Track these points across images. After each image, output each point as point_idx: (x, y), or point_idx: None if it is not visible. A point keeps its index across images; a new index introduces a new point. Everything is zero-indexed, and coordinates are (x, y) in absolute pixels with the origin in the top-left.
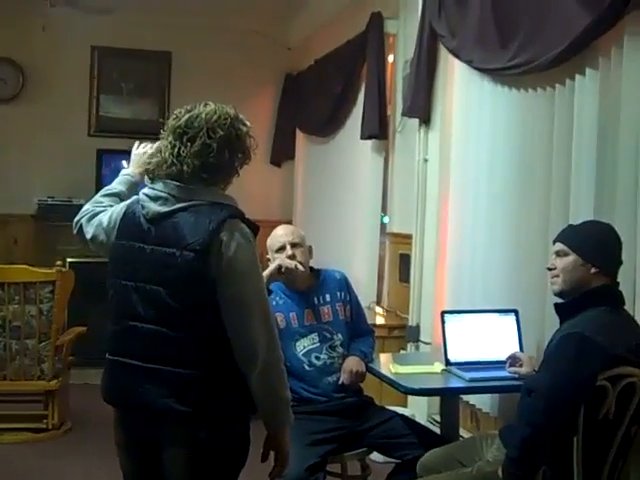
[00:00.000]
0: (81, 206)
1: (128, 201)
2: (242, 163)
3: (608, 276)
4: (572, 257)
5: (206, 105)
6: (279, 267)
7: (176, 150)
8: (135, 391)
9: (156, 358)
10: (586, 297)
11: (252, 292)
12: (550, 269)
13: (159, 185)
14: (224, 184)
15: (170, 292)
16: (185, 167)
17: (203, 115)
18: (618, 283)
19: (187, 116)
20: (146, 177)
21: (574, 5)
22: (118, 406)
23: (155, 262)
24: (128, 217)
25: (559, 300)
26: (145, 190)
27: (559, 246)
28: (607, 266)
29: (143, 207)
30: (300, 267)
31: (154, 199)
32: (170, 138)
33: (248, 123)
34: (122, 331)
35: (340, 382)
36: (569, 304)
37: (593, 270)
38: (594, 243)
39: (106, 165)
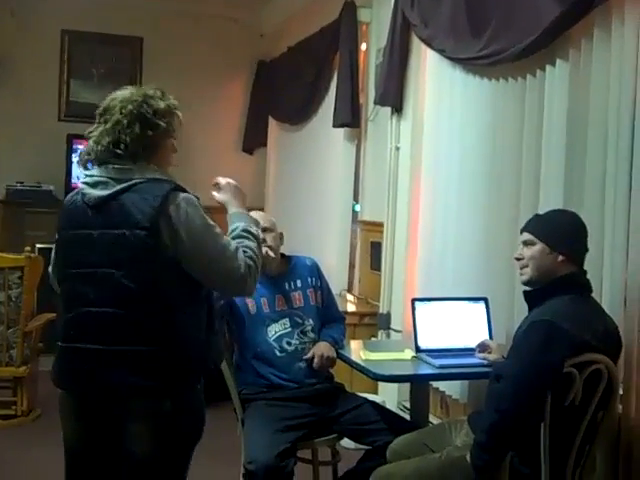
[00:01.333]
0: (50, 192)
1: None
2: (163, 138)
3: (575, 264)
4: (539, 246)
5: (126, 89)
6: None
7: (95, 132)
8: (96, 375)
9: (114, 340)
10: (554, 285)
11: (216, 246)
12: (518, 259)
13: (95, 171)
14: (152, 160)
15: (125, 272)
16: (99, 147)
17: (120, 97)
18: (585, 271)
19: (107, 100)
20: (81, 168)
21: None
22: (75, 391)
23: (106, 245)
24: (69, 208)
25: (528, 288)
26: (83, 179)
27: (526, 236)
28: (573, 254)
29: (84, 195)
30: (271, 253)
31: (93, 185)
32: (95, 125)
33: (173, 101)
34: (76, 318)
35: (309, 356)
36: (537, 292)
37: (560, 258)
38: (560, 232)
39: (76, 150)
